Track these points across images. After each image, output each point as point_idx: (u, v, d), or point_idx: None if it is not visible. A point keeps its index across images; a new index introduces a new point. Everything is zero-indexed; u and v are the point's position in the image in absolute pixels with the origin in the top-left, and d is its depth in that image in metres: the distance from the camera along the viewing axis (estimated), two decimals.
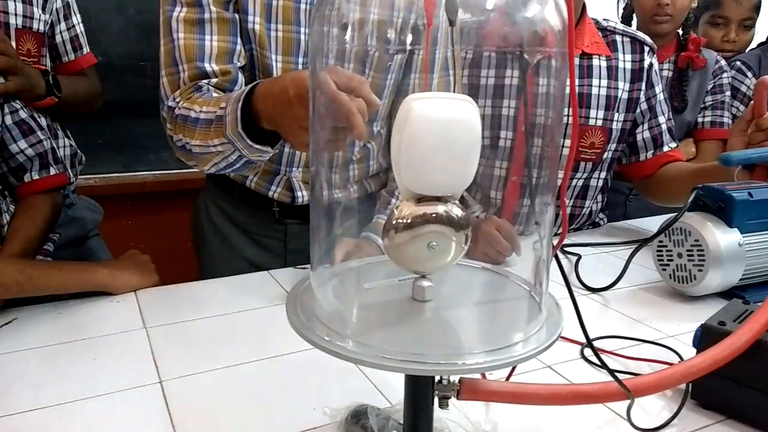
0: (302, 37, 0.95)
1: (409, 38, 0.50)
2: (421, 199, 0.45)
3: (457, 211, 0.45)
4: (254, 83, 0.77)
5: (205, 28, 0.90)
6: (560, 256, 1.10)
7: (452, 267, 0.48)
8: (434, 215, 0.45)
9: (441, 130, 0.43)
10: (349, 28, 0.48)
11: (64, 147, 1.25)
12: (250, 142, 0.78)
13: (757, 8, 1.70)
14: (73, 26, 1.26)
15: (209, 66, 0.90)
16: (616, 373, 0.54)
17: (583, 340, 0.52)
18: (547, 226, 0.50)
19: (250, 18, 0.92)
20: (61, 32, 1.24)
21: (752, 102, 1.05)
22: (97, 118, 1.68)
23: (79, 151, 1.29)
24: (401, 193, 0.46)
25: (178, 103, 0.89)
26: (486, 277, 0.54)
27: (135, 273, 0.92)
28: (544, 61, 0.49)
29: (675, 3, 1.47)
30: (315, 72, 0.53)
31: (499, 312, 0.50)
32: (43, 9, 1.16)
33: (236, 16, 0.92)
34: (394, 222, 0.45)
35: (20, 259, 0.90)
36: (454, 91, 0.45)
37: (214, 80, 0.90)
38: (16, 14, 1.11)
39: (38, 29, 1.15)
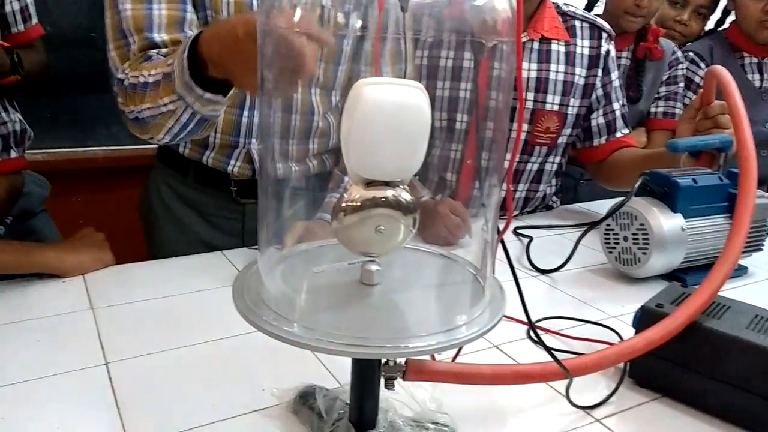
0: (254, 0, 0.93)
1: (359, 23, 0.50)
2: (370, 183, 0.46)
3: (405, 196, 0.46)
4: (197, 32, 0.75)
5: None
6: (514, 238, 1.13)
7: (402, 250, 0.49)
8: (383, 199, 0.45)
9: (391, 115, 0.43)
10: (299, 9, 0.48)
11: (13, 122, 1.20)
12: (201, 92, 0.76)
13: (715, 0, 1.74)
14: None
15: (158, 36, 0.87)
16: (560, 353, 0.56)
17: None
18: (492, 208, 0.51)
19: None
20: (11, 2, 1.18)
21: (701, 90, 1.09)
22: (46, 91, 1.61)
23: (28, 128, 1.24)
24: (350, 177, 0.46)
25: (127, 73, 0.86)
26: (434, 261, 0.54)
27: (86, 254, 0.90)
28: (497, 46, 0.49)
29: (651, 5, 1.49)
30: (263, 50, 0.52)
31: (445, 295, 0.51)
32: None
33: None
34: (343, 205, 0.45)
35: None
36: (404, 77, 0.45)
37: (164, 50, 0.88)
38: None
39: None
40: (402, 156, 0.45)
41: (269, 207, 0.53)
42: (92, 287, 0.84)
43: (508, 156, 0.56)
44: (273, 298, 0.46)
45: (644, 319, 0.65)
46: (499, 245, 0.52)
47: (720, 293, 0.65)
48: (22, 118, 1.23)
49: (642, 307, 0.66)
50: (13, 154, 1.02)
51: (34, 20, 1.25)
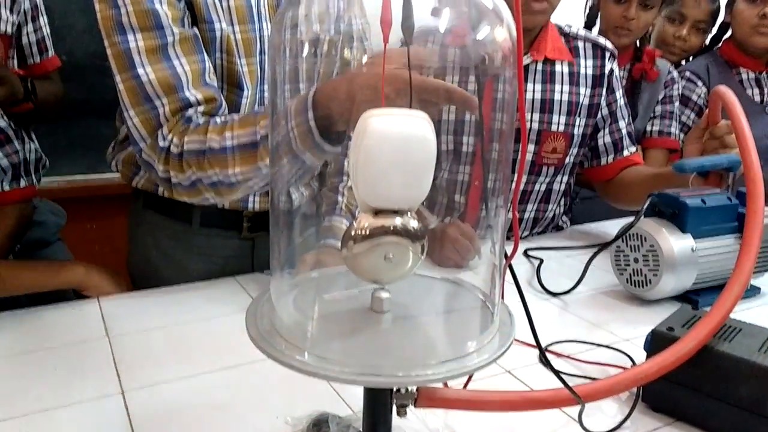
0: (257, 34, 0.92)
1: (365, 58, 0.51)
2: (378, 212, 0.47)
3: (413, 224, 0.47)
4: (310, 92, 0.68)
5: (169, 53, 0.82)
6: (524, 260, 1.13)
7: (411, 277, 0.49)
8: (392, 227, 0.46)
9: (397, 146, 0.44)
10: (306, 46, 0.49)
11: (29, 151, 1.23)
12: (331, 148, 0.70)
13: (713, 15, 1.75)
14: (41, 28, 1.24)
15: (191, 95, 0.83)
16: (572, 377, 0.56)
17: (542, 344, 0.54)
18: (499, 230, 0.52)
19: (216, 26, 0.88)
20: (28, 34, 1.22)
21: (707, 111, 1.09)
22: (62, 119, 1.64)
23: (43, 156, 1.27)
24: (359, 206, 0.47)
25: (172, 140, 0.81)
26: (443, 287, 0.55)
27: (109, 281, 0.95)
28: (500, 73, 0.50)
29: (639, 19, 1.51)
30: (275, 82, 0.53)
31: (454, 322, 0.52)
32: (11, 10, 1.14)
33: (194, 30, 0.86)
34: (352, 233, 0.46)
35: None
36: (410, 108, 0.46)
37: (201, 108, 0.84)
38: None
39: (6, 31, 1.13)
40: (409, 185, 0.46)
41: (282, 232, 0.54)
42: (108, 315, 0.85)
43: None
44: (284, 326, 0.47)
45: (655, 343, 0.65)
46: (507, 270, 0.52)
47: (732, 315, 0.65)
48: (38, 148, 1.26)
49: (653, 330, 0.66)
50: (23, 183, 1.04)
51: (51, 52, 1.28)
